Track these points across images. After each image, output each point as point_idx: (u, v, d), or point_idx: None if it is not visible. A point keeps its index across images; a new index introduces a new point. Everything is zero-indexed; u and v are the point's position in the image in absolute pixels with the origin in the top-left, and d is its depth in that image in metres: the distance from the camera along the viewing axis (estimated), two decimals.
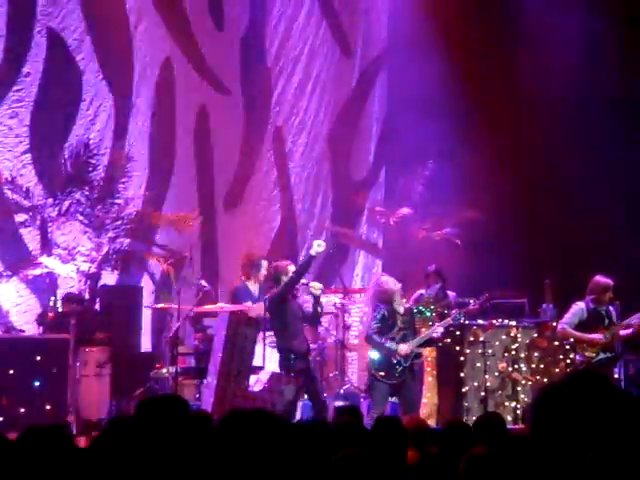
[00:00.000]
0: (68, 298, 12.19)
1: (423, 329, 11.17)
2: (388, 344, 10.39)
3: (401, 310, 10.57)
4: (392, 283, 10.68)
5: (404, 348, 10.39)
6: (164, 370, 11.29)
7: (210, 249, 15.12)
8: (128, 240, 13.45)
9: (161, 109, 14.77)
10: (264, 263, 12.30)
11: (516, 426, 11.36)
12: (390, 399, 10.69)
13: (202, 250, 14.89)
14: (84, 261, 12.87)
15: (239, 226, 15.58)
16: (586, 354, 11.49)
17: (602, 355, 11.46)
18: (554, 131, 15.78)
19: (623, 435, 2.28)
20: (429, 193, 15.57)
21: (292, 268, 10.40)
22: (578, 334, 11.51)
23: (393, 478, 4.12)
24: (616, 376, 12.00)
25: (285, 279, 10.25)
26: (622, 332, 11.54)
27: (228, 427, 2.96)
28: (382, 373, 10.44)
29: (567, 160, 15.56)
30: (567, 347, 12.10)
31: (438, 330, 10.87)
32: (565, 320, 11.66)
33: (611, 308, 11.63)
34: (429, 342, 10.98)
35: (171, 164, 14.89)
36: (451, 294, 12.90)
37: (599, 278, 11.55)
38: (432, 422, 11.55)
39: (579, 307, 11.57)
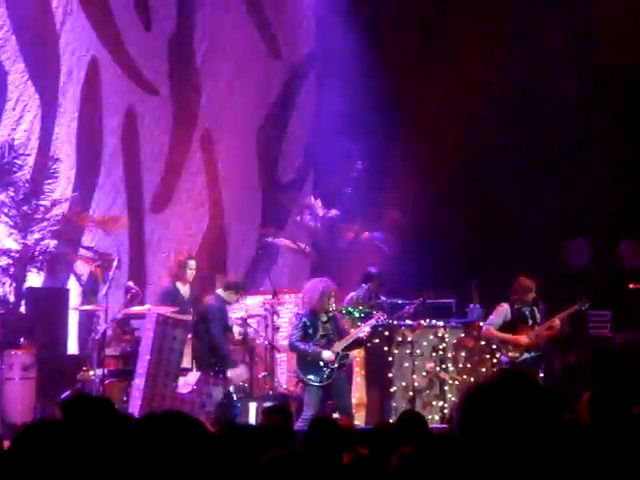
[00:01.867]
0: None
1: (352, 330, 11.25)
2: (311, 350, 10.49)
3: (323, 317, 10.66)
4: (317, 287, 10.77)
5: (328, 354, 10.49)
6: (91, 372, 11.19)
7: (138, 251, 15.01)
8: (54, 242, 13.30)
9: (88, 109, 14.62)
10: (192, 263, 12.27)
11: (444, 425, 11.48)
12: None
13: (130, 252, 14.78)
14: (9, 263, 12.70)
15: (167, 227, 15.50)
16: (510, 354, 11.65)
17: (526, 355, 11.63)
18: (475, 132, 15.99)
19: (544, 436, 2.32)
20: (357, 194, 15.65)
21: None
22: (502, 335, 11.67)
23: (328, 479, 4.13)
24: (541, 375, 12.17)
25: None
26: (545, 333, 11.73)
27: (143, 430, 2.94)
28: (311, 376, 10.50)
29: (489, 161, 15.81)
30: (493, 347, 12.26)
31: (364, 330, 10.97)
32: (489, 321, 11.83)
33: (535, 309, 11.81)
34: (357, 343, 11.05)
35: (98, 165, 14.74)
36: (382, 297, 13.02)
37: (522, 279, 11.74)
38: (360, 422, 11.62)
39: (503, 308, 11.74)
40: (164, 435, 2.89)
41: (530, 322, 11.71)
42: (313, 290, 10.93)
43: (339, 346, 10.62)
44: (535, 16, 16.24)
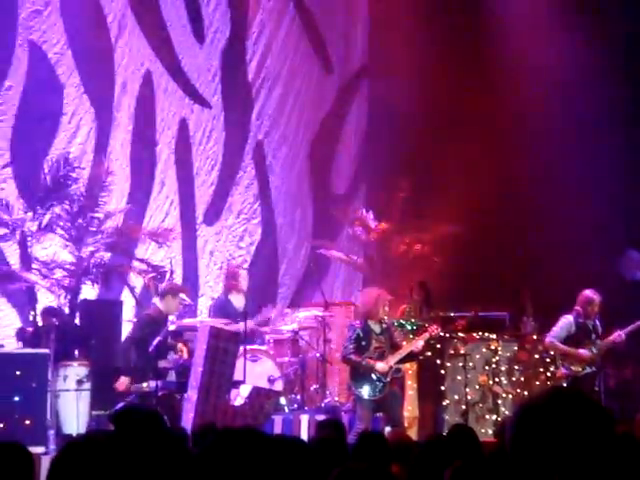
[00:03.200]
0: (46, 311, 12.13)
1: (404, 342, 11.20)
2: (364, 362, 10.44)
3: (377, 329, 10.60)
4: (372, 295, 10.75)
5: (381, 366, 10.43)
6: (144, 385, 11.25)
7: (191, 263, 15.10)
8: (109, 254, 13.41)
9: (142, 122, 14.75)
10: (244, 274, 12.31)
11: (496, 439, 11.38)
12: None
13: (183, 264, 14.87)
14: (64, 275, 12.82)
15: (219, 240, 15.58)
16: (573, 368, 11.52)
17: (588, 369, 11.51)
18: (532, 144, 15.92)
19: (596, 454, 2.30)
20: (409, 207, 15.61)
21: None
22: (566, 348, 11.53)
23: None
24: (596, 389, 12.05)
25: None
26: (607, 347, 11.59)
27: (219, 446, 2.94)
28: (363, 389, 10.47)
29: (539, 175, 15.71)
30: (547, 360, 12.15)
31: (418, 344, 10.89)
32: (553, 333, 11.68)
33: (597, 323, 11.68)
34: (410, 356, 11.00)
35: (152, 178, 14.87)
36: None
37: (587, 292, 11.61)
38: (413, 435, 11.57)
39: (568, 320, 11.60)
40: (243, 452, 2.88)
41: (593, 336, 11.58)
42: (368, 298, 10.91)
43: (392, 359, 10.57)
44: None
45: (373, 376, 10.46)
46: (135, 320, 11.54)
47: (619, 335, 11.60)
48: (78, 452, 3.19)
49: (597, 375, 11.81)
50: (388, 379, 10.50)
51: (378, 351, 10.59)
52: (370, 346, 10.56)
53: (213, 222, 15.59)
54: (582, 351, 11.44)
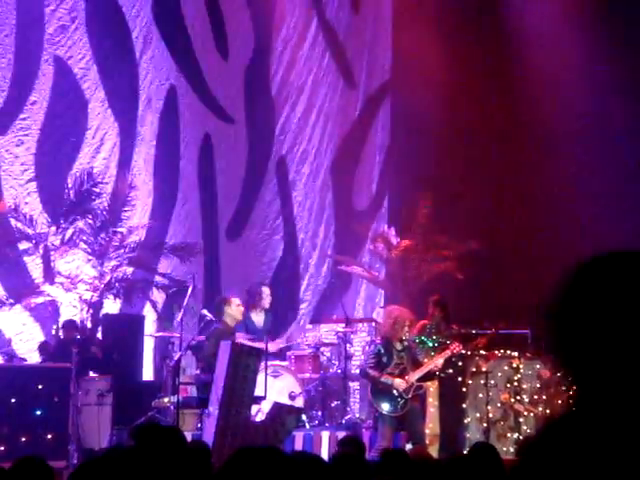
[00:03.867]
0: (69, 325, 12.19)
1: (426, 359, 11.17)
2: (383, 379, 10.40)
3: (398, 346, 10.58)
4: (392, 314, 10.74)
5: (399, 382, 10.39)
6: (166, 399, 11.27)
7: (213, 278, 15.13)
8: (131, 269, 13.46)
9: (166, 137, 14.83)
10: (266, 290, 12.27)
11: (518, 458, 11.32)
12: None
13: (204, 279, 14.89)
14: (87, 289, 12.87)
15: (242, 255, 15.60)
16: None
17: None
18: (559, 162, 15.88)
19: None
20: (431, 223, 15.60)
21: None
22: None
23: None
24: None
25: None
26: None
27: (237, 464, 2.94)
28: (385, 406, 10.44)
29: (564, 190, 15.65)
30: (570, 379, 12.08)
31: (438, 362, 10.85)
32: None
33: None
34: (430, 374, 10.95)
35: (175, 192, 14.93)
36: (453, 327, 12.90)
37: None
38: (434, 453, 11.52)
39: None
40: (261, 470, 2.89)
41: None
42: (388, 317, 10.89)
43: (413, 376, 10.54)
44: None
45: (394, 392, 10.43)
46: (205, 336, 11.46)
47: None
48: (96, 467, 3.21)
49: None
50: (409, 396, 10.47)
51: (399, 368, 10.56)
52: (391, 362, 10.54)
53: (236, 237, 15.61)
54: None
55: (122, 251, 13.28)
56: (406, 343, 10.74)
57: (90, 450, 10.88)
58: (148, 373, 13.51)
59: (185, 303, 11.98)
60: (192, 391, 11.84)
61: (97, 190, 13.37)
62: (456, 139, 16.11)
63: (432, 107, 15.85)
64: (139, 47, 14.58)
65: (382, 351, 10.54)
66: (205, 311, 12.09)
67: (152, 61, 14.70)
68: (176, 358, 11.00)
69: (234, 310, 11.26)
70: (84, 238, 13.09)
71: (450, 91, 15.88)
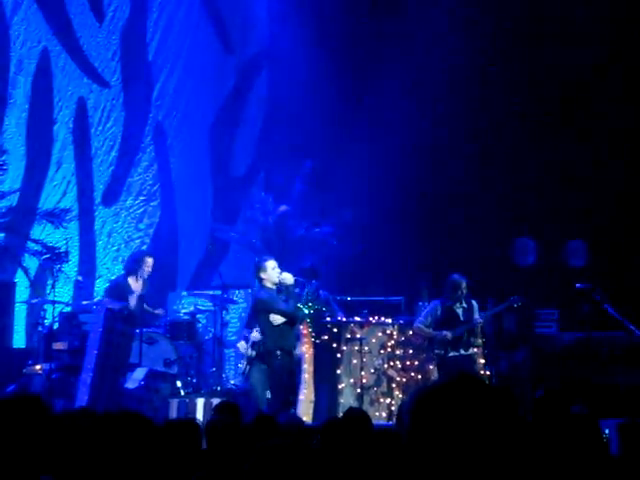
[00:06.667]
0: None
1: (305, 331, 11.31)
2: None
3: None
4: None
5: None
6: (37, 367, 11.12)
7: (88, 244, 14.92)
8: (2, 234, 13.18)
9: (38, 101, 14.51)
10: (150, 261, 12.17)
11: (390, 423, 11.53)
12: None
13: (80, 245, 14.69)
14: None
15: (118, 221, 15.41)
16: (435, 351, 11.82)
17: (453, 352, 11.72)
18: (442, 130, 16.10)
19: (495, 438, 2.32)
20: (308, 191, 15.67)
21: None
22: (429, 332, 11.82)
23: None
24: (487, 372, 12.28)
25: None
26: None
27: (101, 428, 2.94)
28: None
29: (454, 161, 15.91)
30: None
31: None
32: (421, 318, 11.98)
33: (466, 306, 11.88)
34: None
35: (49, 157, 14.64)
36: (322, 293, 12.99)
37: (452, 276, 11.86)
38: (308, 419, 11.64)
39: (434, 305, 11.91)
40: (121, 433, 2.89)
41: (462, 319, 11.82)
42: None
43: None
44: None
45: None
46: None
47: (477, 318, 11.88)
48: None
49: (471, 360, 11.96)
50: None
51: None
52: None
53: (111, 203, 15.42)
54: (444, 333, 11.69)
55: None
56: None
57: None
58: (20, 340, 13.29)
59: (58, 269, 11.83)
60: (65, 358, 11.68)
61: None
62: (333, 108, 16.16)
63: (309, 75, 15.89)
64: (10, 7, 14.21)
65: None
66: (80, 277, 11.96)
67: (24, 22, 14.34)
68: (49, 325, 10.85)
69: (270, 273, 11.16)
70: None
71: (328, 60, 15.93)
